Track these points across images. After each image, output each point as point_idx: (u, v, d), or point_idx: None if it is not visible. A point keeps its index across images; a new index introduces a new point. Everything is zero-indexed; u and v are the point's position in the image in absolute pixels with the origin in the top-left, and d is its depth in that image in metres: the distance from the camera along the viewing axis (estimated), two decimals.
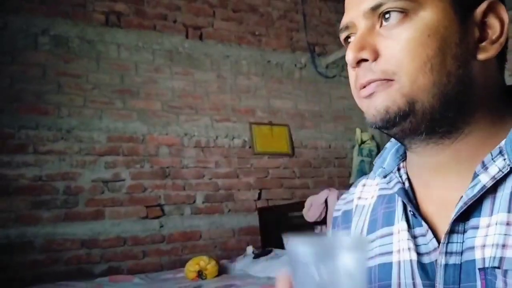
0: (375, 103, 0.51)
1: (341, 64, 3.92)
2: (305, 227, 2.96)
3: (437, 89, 0.49)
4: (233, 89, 3.48)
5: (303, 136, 3.70)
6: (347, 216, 0.67)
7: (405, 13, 0.49)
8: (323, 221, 2.70)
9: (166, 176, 3.13)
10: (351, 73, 0.55)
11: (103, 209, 2.90)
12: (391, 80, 0.50)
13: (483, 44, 0.51)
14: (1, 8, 2.80)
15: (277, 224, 3.22)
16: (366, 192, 0.67)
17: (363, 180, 0.69)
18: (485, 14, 0.51)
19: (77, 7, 3.03)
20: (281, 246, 2.86)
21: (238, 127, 3.44)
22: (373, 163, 0.65)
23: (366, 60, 0.51)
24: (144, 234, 2.99)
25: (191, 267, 2.42)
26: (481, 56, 0.51)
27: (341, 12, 3.97)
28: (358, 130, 3.89)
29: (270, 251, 2.76)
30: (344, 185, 3.74)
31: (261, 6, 3.73)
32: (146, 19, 3.25)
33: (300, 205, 2.87)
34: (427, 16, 0.49)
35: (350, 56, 0.52)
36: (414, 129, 0.51)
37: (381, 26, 0.51)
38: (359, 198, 0.67)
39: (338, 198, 2.63)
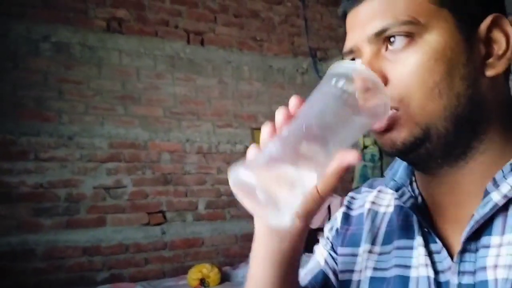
0: (391, 136, 0.51)
1: None
2: (308, 233, 2.94)
3: (448, 112, 0.49)
4: (234, 94, 3.47)
5: None
6: (360, 218, 0.66)
7: (410, 37, 0.49)
8: None
9: (168, 182, 3.12)
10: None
11: (105, 216, 2.89)
12: (406, 109, 0.49)
13: (490, 60, 0.50)
14: (3, 15, 2.79)
15: None
16: (381, 199, 0.65)
17: (379, 186, 0.67)
18: (489, 29, 0.50)
19: (79, 13, 3.03)
20: None
21: (240, 133, 3.43)
22: (384, 174, 0.63)
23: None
24: (146, 241, 2.97)
25: (194, 274, 2.41)
26: (489, 72, 0.50)
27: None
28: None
29: None
30: (347, 190, 3.72)
31: (262, 11, 3.73)
32: (148, 25, 3.25)
33: None
34: (432, 39, 0.48)
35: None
36: (430, 154, 0.51)
37: (386, 49, 0.51)
38: (373, 203, 0.65)
39: (341, 204, 2.61)
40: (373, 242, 0.62)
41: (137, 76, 3.15)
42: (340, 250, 0.66)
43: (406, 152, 0.51)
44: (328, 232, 0.70)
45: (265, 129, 0.50)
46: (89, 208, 2.85)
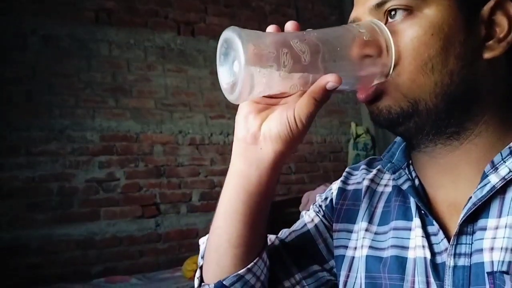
0: (377, 104, 0.52)
1: None
2: None
3: (439, 89, 0.49)
4: None
5: None
6: (357, 194, 0.66)
7: (409, 10, 0.49)
8: None
9: (161, 174, 3.11)
10: None
11: (98, 209, 2.87)
12: (395, 78, 0.50)
13: (490, 42, 0.50)
14: None
15: (274, 220, 3.20)
16: (380, 178, 0.66)
17: (378, 165, 0.67)
18: (492, 11, 0.50)
19: (66, 5, 2.98)
20: None
21: (233, 124, 3.33)
22: (382, 157, 0.64)
23: (370, 56, 0.51)
24: (140, 233, 2.97)
25: (189, 266, 2.41)
26: (487, 55, 0.50)
27: (333, 6, 3.93)
28: (353, 124, 3.88)
29: None
30: None
31: (253, 1, 3.70)
32: (137, 16, 3.21)
33: (297, 200, 2.86)
34: (431, 13, 0.49)
35: (354, 51, 0.51)
36: (419, 128, 0.51)
37: (386, 23, 0.51)
38: (372, 181, 0.66)
39: None
40: (370, 221, 0.62)
41: (128, 68, 3.12)
42: (335, 226, 0.66)
43: (394, 123, 0.52)
44: (321, 201, 0.70)
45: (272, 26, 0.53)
46: (82, 202, 2.83)
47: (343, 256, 0.63)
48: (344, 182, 0.69)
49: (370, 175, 0.66)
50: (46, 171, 2.76)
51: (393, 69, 0.50)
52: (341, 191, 0.68)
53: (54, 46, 2.91)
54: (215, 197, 3.23)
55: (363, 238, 0.61)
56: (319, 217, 0.69)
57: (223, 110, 3.40)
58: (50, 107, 2.84)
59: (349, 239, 0.63)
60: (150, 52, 3.21)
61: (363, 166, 0.70)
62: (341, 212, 0.66)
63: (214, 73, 3.40)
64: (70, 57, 2.94)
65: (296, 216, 2.78)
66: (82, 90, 2.95)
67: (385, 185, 0.64)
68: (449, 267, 0.50)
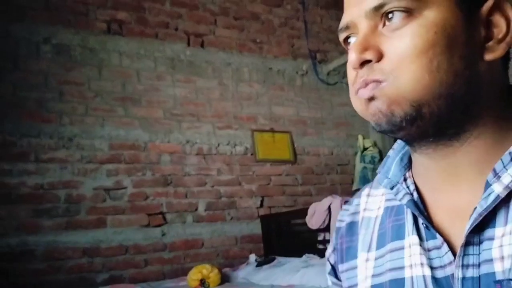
0: (379, 105, 0.49)
1: (342, 71, 3.91)
2: (308, 234, 2.94)
3: (444, 89, 0.47)
4: (234, 96, 3.48)
5: (305, 143, 3.69)
6: (352, 228, 0.65)
7: (409, 12, 0.47)
8: (326, 228, 2.68)
9: (168, 184, 3.12)
10: (352, 73, 0.53)
11: (105, 217, 2.89)
12: (394, 80, 0.48)
13: (490, 43, 0.49)
14: (4, 16, 2.81)
15: (280, 231, 3.20)
16: (372, 203, 0.64)
17: (366, 190, 0.66)
18: (490, 12, 0.49)
19: (79, 15, 3.04)
20: (284, 254, 2.85)
21: (240, 134, 3.43)
22: (377, 172, 0.62)
23: (369, 62, 0.49)
24: (146, 242, 2.97)
25: (194, 275, 2.40)
26: (488, 56, 0.49)
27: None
28: (360, 137, 3.88)
29: (273, 259, 2.74)
30: (347, 192, 3.72)
31: (262, 14, 3.74)
32: (148, 27, 3.26)
33: (303, 212, 2.85)
34: (432, 15, 0.47)
35: (353, 57, 0.50)
36: (421, 133, 0.50)
37: (384, 26, 0.49)
38: (365, 209, 0.64)
39: (341, 205, 2.62)
40: (368, 249, 0.60)
41: (138, 78, 3.16)
42: (341, 267, 0.65)
43: (396, 127, 0.49)
44: (328, 256, 0.69)
45: None
46: (89, 209, 2.84)
47: None
48: (340, 220, 0.68)
49: (363, 204, 0.65)
50: (54, 178, 2.78)
51: (395, 71, 0.48)
52: (337, 230, 0.67)
53: (66, 55, 2.95)
54: (221, 207, 3.24)
55: (366, 269, 0.60)
56: (330, 280, 0.69)
57: (230, 121, 3.42)
58: (60, 115, 2.87)
59: (356, 276, 0.62)
60: (160, 62, 3.25)
61: (355, 199, 0.68)
62: (342, 252, 0.65)
63: (223, 84, 3.45)
64: (81, 66, 2.99)
65: (301, 227, 2.77)
66: (92, 98, 2.99)
67: (378, 208, 0.63)
68: (458, 279, 0.48)
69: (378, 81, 0.49)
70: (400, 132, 0.50)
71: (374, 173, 3.83)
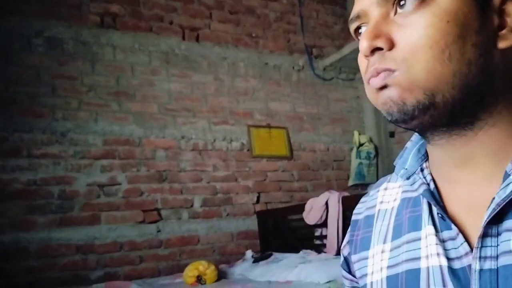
0: (390, 94, 0.49)
1: (339, 67, 3.90)
2: (305, 230, 2.92)
3: (457, 79, 0.47)
4: (230, 91, 3.44)
5: (301, 139, 3.67)
6: (369, 220, 0.65)
7: None
8: (323, 224, 2.66)
9: (163, 180, 3.08)
10: (363, 62, 0.53)
11: (99, 213, 2.84)
12: (407, 69, 0.47)
13: (503, 32, 0.49)
14: None
15: (276, 227, 3.18)
16: (388, 196, 0.64)
17: (384, 184, 0.66)
18: (503, 1, 0.49)
19: (72, 8, 2.99)
20: (281, 250, 2.83)
21: (236, 130, 3.40)
22: (394, 164, 0.62)
23: (380, 49, 0.49)
24: (141, 239, 2.93)
25: (190, 272, 2.37)
26: (502, 44, 0.48)
27: (338, 15, 3.93)
28: (356, 133, 3.87)
29: (269, 255, 2.72)
30: (343, 188, 3.71)
31: (258, 8, 3.71)
32: (142, 20, 3.21)
33: (300, 208, 2.84)
34: (444, 2, 0.47)
35: (364, 44, 0.49)
36: (434, 122, 0.49)
37: (395, 13, 0.49)
38: (381, 202, 0.64)
39: (338, 201, 2.60)
40: (384, 241, 0.60)
41: (132, 72, 3.12)
42: (353, 258, 0.65)
43: (408, 116, 0.49)
44: (343, 248, 0.70)
45: None
46: (83, 206, 2.80)
47: (365, 285, 0.62)
48: (356, 214, 0.69)
49: (380, 197, 0.65)
50: (47, 174, 2.74)
51: (407, 60, 0.47)
52: (355, 223, 0.68)
53: (59, 48, 2.90)
54: (217, 204, 3.21)
55: (381, 260, 0.59)
56: (344, 276, 0.70)
57: (226, 116, 3.39)
58: (53, 110, 2.82)
59: (366, 266, 0.62)
60: (154, 56, 3.21)
61: (373, 191, 0.69)
62: (357, 243, 0.65)
63: (218, 79, 3.41)
64: (74, 60, 2.94)
65: (298, 223, 2.77)
66: (86, 93, 2.94)
67: (394, 200, 0.63)
68: (475, 270, 0.47)
69: (390, 70, 0.48)
70: (413, 122, 0.49)
71: (369, 169, 3.82)
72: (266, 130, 3.51)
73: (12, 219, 2.60)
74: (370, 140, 3.89)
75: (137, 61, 3.14)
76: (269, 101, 3.60)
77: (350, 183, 3.80)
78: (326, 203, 2.62)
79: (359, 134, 3.88)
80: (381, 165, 3.89)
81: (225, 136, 3.35)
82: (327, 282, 2.02)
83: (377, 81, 0.49)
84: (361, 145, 3.86)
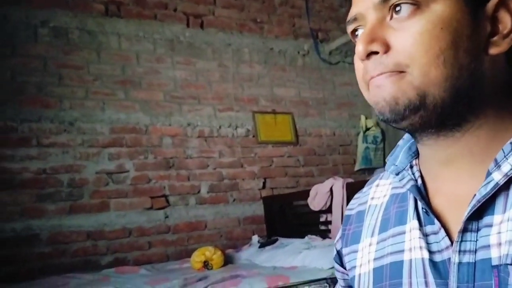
0: (384, 94, 0.51)
1: (345, 50, 3.87)
2: (310, 216, 2.95)
3: (449, 82, 0.49)
4: (235, 77, 3.45)
5: (307, 124, 3.68)
6: (360, 216, 0.67)
7: (416, 5, 0.49)
8: (328, 210, 2.69)
9: (170, 166, 3.12)
10: (359, 65, 0.55)
11: (108, 200, 2.90)
12: (403, 72, 0.50)
13: (495, 38, 0.50)
14: (0, 1, 2.76)
15: (282, 212, 3.22)
16: (379, 192, 0.67)
17: (377, 181, 0.69)
18: (496, 8, 0.50)
19: None
20: (287, 235, 2.87)
21: (242, 116, 3.42)
22: (386, 160, 0.64)
23: (376, 53, 0.51)
24: (149, 225, 2.99)
25: (197, 257, 2.42)
26: (493, 50, 0.50)
27: None
28: (362, 117, 3.86)
29: (275, 240, 2.76)
30: (350, 172, 3.73)
31: None
32: (146, 8, 3.21)
33: (305, 193, 2.86)
34: (439, 9, 0.49)
35: (360, 48, 0.51)
36: (424, 123, 0.51)
37: (391, 18, 0.51)
38: (372, 198, 0.67)
39: (343, 187, 2.62)
40: (372, 235, 0.63)
41: (137, 60, 3.13)
42: (344, 251, 0.68)
43: (400, 116, 0.51)
44: (336, 242, 0.73)
45: None
46: (92, 193, 2.86)
47: (353, 276, 0.64)
48: (350, 209, 0.71)
49: (371, 194, 0.68)
50: (56, 163, 2.79)
51: (403, 63, 0.49)
52: (347, 218, 0.70)
53: (64, 38, 2.92)
54: (224, 189, 3.25)
55: (369, 253, 0.62)
56: (337, 270, 0.72)
57: (231, 103, 3.40)
58: (60, 99, 2.86)
59: (356, 259, 0.65)
60: (159, 44, 3.21)
61: (365, 188, 0.71)
62: (348, 237, 0.68)
63: (223, 65, 3.41)
64: (80, 49, 2.96)
65: (304, 208, 2.79)
66: (92, 82, 2.97)
67: (384, 196, 0.65)
68: (454, 263, 0.50)
69: (385, 73, 0.51)
70: (403, 122, 0.52)
71: (376, 153, 3.82)
72: (271, 116, 3.52)
73: (23, 207, 2.67)
74: (377, 124, 3.89)
75: (142, 49, 3.15)
76: (274, 86, 3.60)
77: (357, 167, 3.80)
78: (331, 189, 2.64)
79: (366, 118, 3.87)
80: (387, 149, 3.89)
81: (231, 122, 3.37)
82: (331, 268, 2.06)
83: (374, 83, 0.52)
84: (367, 129, 3.85)
